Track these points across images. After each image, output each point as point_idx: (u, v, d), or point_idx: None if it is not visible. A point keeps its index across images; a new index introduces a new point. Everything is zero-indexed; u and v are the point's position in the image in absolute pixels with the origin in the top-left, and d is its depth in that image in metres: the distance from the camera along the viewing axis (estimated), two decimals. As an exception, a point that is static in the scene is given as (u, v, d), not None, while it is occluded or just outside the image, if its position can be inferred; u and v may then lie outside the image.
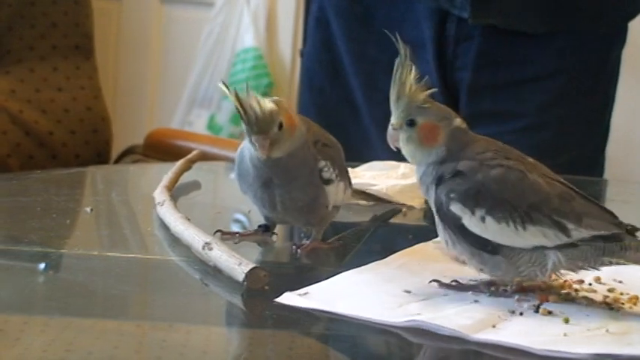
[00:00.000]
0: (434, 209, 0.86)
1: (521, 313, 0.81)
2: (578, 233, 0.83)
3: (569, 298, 0.85)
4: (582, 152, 1.52)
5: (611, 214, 0.85)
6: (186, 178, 1.19)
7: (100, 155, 1.73)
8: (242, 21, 2.78)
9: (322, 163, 0.95)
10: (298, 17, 2.82)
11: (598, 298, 0.85)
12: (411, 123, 0.85)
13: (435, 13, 1.45)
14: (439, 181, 0.84)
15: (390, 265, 0.91)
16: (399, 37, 0.85)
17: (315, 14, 1.60)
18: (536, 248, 0.83)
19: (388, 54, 1.49)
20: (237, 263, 0.85)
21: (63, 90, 1.72)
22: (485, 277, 0.86)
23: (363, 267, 0.90)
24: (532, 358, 0.74)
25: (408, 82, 0.84)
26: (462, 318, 0.79)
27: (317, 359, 0.76)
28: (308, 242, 0.97)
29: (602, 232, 0.83)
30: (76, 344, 0.72)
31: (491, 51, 1.46)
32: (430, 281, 0.86)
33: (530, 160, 0.86)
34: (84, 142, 1.72)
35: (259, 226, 0.99)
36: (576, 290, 0.87)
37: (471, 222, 0.83)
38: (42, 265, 0.89)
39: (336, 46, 1.56)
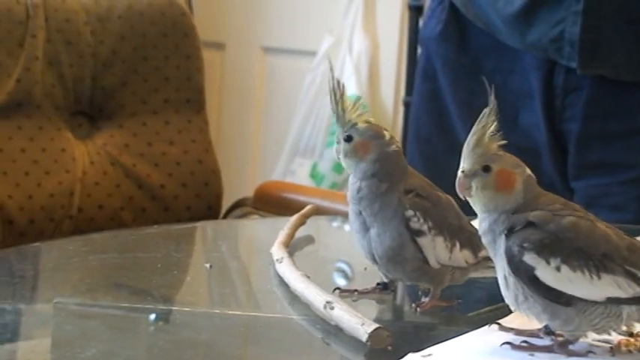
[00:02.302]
0: (502, 262, 0.84)
1: (647, 377, 0.80)
2: None
3: (697, 361, 0.84)
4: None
5: None
6: (299, 232, 1.20)
7: (211, 208, 1.75)
8: (344, 69, 2.80)
9: (410, 213, 0.95)
10: (400, 66, 2.83)
11: None
12: (487, 169, 0.84)
13: (542, 63, 1.45)
14: (509, 232, 0.84)
15: (510, 325, 0.90)
16: (492, 89, 0.85)
17: (422, 65, 1.60)
18: (610, 300, 0.82)
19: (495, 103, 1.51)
20: (359, 323, 0.86)
21: (175, 143, 1.75)
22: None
23: (484, 327, 0.90)
24: None
25: (488, 131, 0.84)
26: (589, 382, 0.78)
27: (444, 423, 0.76)
28: (426, 300, 0.97)
29: None
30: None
31: (601, 101, 1.45)
32: (502, 344, 0.85)
33: (591, 214, 0.86)
34: (195, 195, 1.74)
35: (378, 284, 1.00)
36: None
37: (546, 272, 0.82)
38: (152, 316, 0.91)
39: (443, 96, 1.56)
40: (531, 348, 0.85)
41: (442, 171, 1.53)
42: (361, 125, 0.96)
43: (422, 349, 0.84)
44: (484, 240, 0.86)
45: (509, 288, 0.85)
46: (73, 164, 1.69)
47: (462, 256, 0.97)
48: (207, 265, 1.09)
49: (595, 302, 0.83)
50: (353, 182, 0.97)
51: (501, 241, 0.84)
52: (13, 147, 1.65)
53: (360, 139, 0.96)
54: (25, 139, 1.66)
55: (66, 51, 1.71)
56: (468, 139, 0.85)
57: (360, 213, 0.96)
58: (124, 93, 1.75)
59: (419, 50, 2.03)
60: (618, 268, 0.82)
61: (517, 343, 0.86)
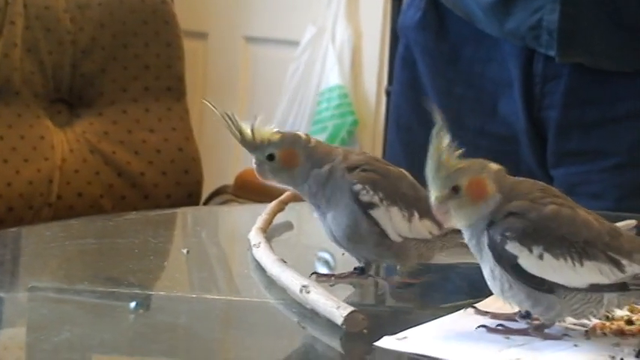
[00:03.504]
0: (488, 255, 0.84)
1: (621, 359, 0.80)
2: (631, 269, 0.83)
3: (670, 343, 0.84)
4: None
5: None
6: (278, 219, 1.20)
7: (191, 196, 1.75)
8: (327, 59, 2.80)
9: (358, 187, 0.94)
10: (383, 55, 2.83)
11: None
12: (456, 189, 0.83)
13: (521, 51, 1.45)
14: (490, 224, 0.84)
15: (486, 309, 0.91)
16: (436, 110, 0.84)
17: (402, 54, 1.60)
18: (591, 287, 0.83)
19: (474, 91, 1.51)
20: (335, 306, 0.86)
21: (155, 131, 1.75)
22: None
23: (460, 311, 0.90)
24: (636, 405, 0.73)
25: (444, 151, 0.83)
26: (562, 364, 0.79)
27: (418, 404, 0.76)
28: (393, 277, 0.97)
29: None
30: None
31: (580, 89, 1.45)
32: (477, 327, 0.86)
33: (571, 200, 0.86)
34: (175, 183, 1.74)
35: (355, 269, 1.00)
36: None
37: (529, 260, 0.83)
38: (133, 304, 0.91)
39: (423, 84, 1.56)
40: (507, 331, 0.85)
41: (422, 159, 1.54)
42: (275, 138, 0.95)
43: (397, 333, 0.84)
44: (470, 245, 0.86)
45: (495, 278, 0.85)
46: (52, 152, 1.69)
47: (423, 227, 0.96)
48: (184, 251, 1.09)
49: (577, 289, 0.83)
50: (300, 188, 0.96)
51: (484, 235, 0.84)
52: (-8, 134, 1.65)
53: (281, 151, 0.95)
54: (3, 126, 1.66)
55: (45, 38, 1.70)
56: (428, 164, 0.83)
57: (319, 206, 0.97)
58: (103, 80, 1.75)
59: (401, 39, 2.03)
60: (600, 255, 0.83)
61: (493, 326, 0.86)
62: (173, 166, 1.74)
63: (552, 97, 1.45)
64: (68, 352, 0.80)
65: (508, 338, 0.84)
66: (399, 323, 0.87)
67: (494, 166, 0.85)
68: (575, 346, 0.83)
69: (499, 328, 0.86)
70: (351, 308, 0.85)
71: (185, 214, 1.41)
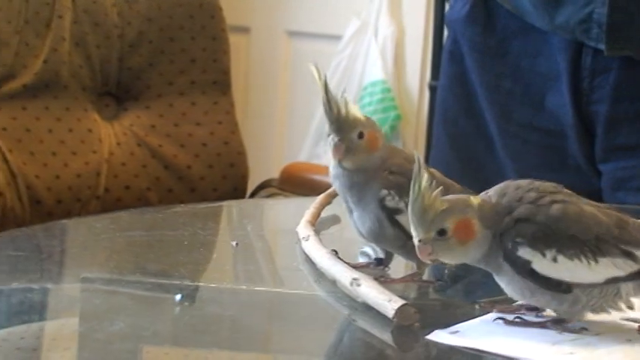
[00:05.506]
0: (505, 266, 0.83)
1: (677, 354, 0.80)
2: None
3: None
4: None
5: None
6: (325, 212, 1.20)
7: (237, 189, 1.76)
8: (370, 54, 2.80)
9: (384, 192, 0.93)
10: (426, 50, 2.83)
11: None
12: (442, 232, 0.81)
13: (570, 45, 1.44)
14: (501, 235, 0.82)
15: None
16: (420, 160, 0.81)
17: (449, 48, 1.60)
18: (608, 281, 0.82)
19: (522, 85, 1.50)
20: (386, 300, 0.86)
21: (201, 125, 1.76)
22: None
23: (512, 305, 0.89)
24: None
25: (426, 192, 0.81)
26: (615, 359, 0.78)
27: (471, 398, 0.76)
28: (404, 276, 0.96)
29: None
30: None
31: (630, 83, 1.44)
32: (495, 319, 0.85)
33: (565, 190, 0.85)
34: (221, 177, 1.75)
35: (375, 259, 1.00)
36: None
37: (542, 264, 0.82)
38: (178, 296, 0.91)
39: (470, 78, 1.56)
40: (525, 324, 0.85)
41: (469, 152, 1.54)
42: (363, 119, 0.94)
43: (449, 326, 0.84)
44: (494, 276, 0.85)
45: (515, 290, 0.84)
46: (100, 145, 1.70)
47: None
48: (234, 243, 1.09)
49: (593, 284, 0.82)
50: (346, 174, 0.94)
51: (500, 254, 0.82)
52: (41, 127, 1.66)
53: (369, 132, 0.93)
54: (52, 119, 1.67)
55: (93, 32, 1.72)
56: (411, 206, 0.81)
57: (347, 201, 0.96)
58: (150, 74, 1.76)
59: (445, 34, 2.03)
60: (613, 249, 0.82)
61: (510, 318, 0.85)
62: (219, 160, 1.75)
63: (601, 91, 1.44)
64: (121, 342, 0.80)
65: (561, 333, 0.84)
66: (450, 317, 0.87)
67: (474, 200, 0.82)
68: (629, 340, 0.82)
69: (517, 320, 0.85)
70: (402, 301, 0.85)
71: (232, 207, 1.41)
